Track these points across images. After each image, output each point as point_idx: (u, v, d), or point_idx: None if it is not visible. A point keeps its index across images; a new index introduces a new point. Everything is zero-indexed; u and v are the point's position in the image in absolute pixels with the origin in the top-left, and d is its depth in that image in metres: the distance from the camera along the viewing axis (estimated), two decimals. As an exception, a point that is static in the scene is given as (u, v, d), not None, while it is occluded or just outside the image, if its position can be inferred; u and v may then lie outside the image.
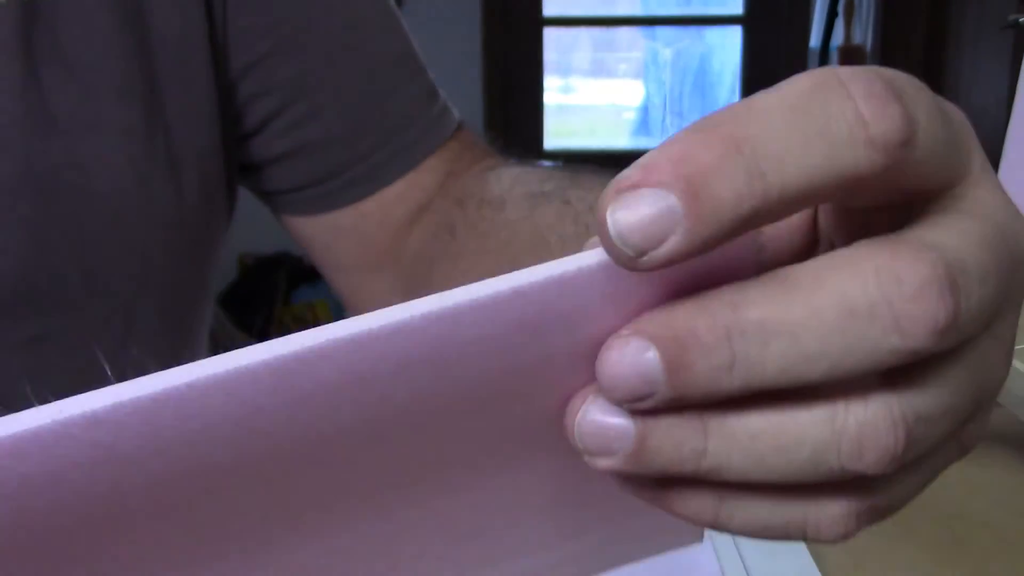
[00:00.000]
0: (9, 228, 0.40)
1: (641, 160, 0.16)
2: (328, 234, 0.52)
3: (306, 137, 0.50)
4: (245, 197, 0.57)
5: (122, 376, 0.15)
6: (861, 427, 0.17)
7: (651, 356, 0.17)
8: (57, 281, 0.42)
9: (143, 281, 0.46)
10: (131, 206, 0.44)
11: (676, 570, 0.45)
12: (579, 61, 3.36)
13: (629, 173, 0.16)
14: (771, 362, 0.17)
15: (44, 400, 0.15)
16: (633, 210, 0.16)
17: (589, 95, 3.35)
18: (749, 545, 0.47)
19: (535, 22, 2.97)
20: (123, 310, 0.45)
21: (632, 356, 0.17)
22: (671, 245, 0.16)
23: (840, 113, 0.17)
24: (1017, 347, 0.58)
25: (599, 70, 3.40)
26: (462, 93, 0.60)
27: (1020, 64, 0.89)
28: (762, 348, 0.17)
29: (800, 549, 0.47)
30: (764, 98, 0.17)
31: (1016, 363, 0.54)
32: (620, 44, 3.40)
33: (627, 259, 0.16)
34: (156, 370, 0.15)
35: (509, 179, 0.48)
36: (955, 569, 0.46)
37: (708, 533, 0.48)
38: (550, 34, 3.07)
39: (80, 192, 0.42)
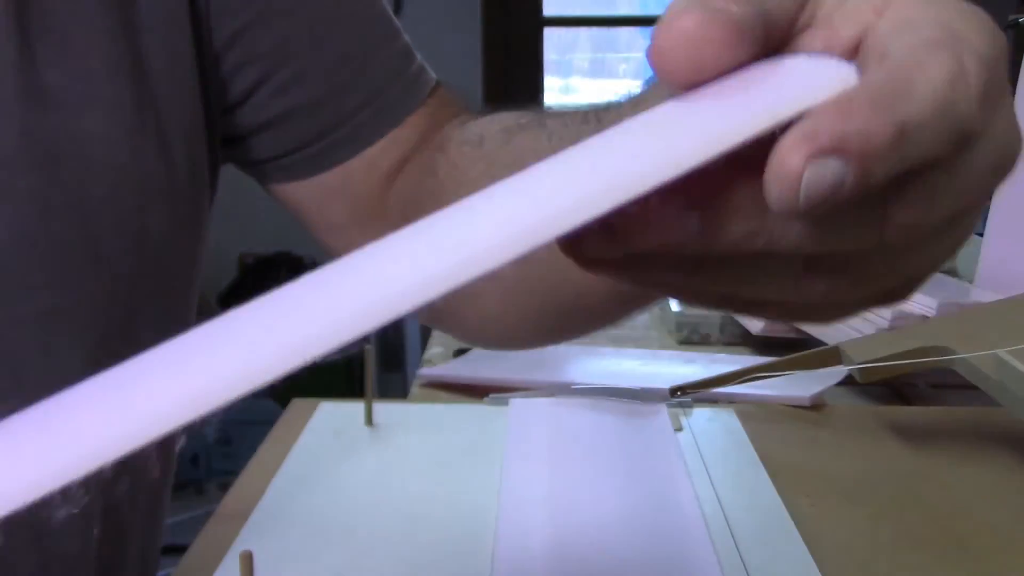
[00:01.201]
0: (14, 199, 0.42)
1: (832, 116, 0.20)
2: (318, 196, 0.54)
3: (292, 102, 0.51)
4: (244, 196, 0.57)
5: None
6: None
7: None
8: (62, 251, 0.44)
9: (142, 256, 0.47)
10: (128, 179, 0.45)
11: (676, 570, 0.45)
12: (579, 61, 3.35)
13: (823, 133, 0.19)
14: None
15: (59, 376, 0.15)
16: (819, 177, 0.19)
17: (589, 95, 3.34)
18: (749, 545, 0.47)
19: (535, 22, 2.97)
20: (126, 287, 0.46)
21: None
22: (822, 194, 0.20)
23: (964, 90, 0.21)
24: (1016, 347, 0.57)
25: (599, 70, 3.39)
26: (462, 93, 0.61)
27: (1020, 64, 0.89)
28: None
29: (800, 549, 0.47)
30: (922, 77, 0.21)
31: (1016, 363, 0.54)
32: (620, 44, 3.40)
33: (790, 199, 0.20)
34: None
35: (487, 120, 0.50)
36: (955, 569, 0.46)
37: (708, 535, 0.48)
38: (550, 34, 3.07)
39: (79, 164, 0.44)
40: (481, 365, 0.80)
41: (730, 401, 0.68)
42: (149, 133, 0.46)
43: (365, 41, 0.52)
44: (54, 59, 0.43)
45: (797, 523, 0.49)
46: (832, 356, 0.64)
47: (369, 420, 0.62)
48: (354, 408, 0.64)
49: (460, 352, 0.87)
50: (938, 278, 0.86)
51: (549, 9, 2.99)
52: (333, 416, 0.64)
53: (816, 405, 0.68)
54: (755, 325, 0.83)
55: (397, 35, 0.54)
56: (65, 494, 0.47)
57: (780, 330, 0.83)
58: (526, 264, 0.19)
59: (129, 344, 0.45)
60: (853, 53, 0.24)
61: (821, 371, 0.66)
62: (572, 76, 3.31)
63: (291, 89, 0.50)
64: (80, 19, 0.44)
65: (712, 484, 0.54)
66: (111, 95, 0.45)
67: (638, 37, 3.26)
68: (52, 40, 0.43)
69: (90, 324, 0.45)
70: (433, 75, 0.55)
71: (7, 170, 0.42)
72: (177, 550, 0.57)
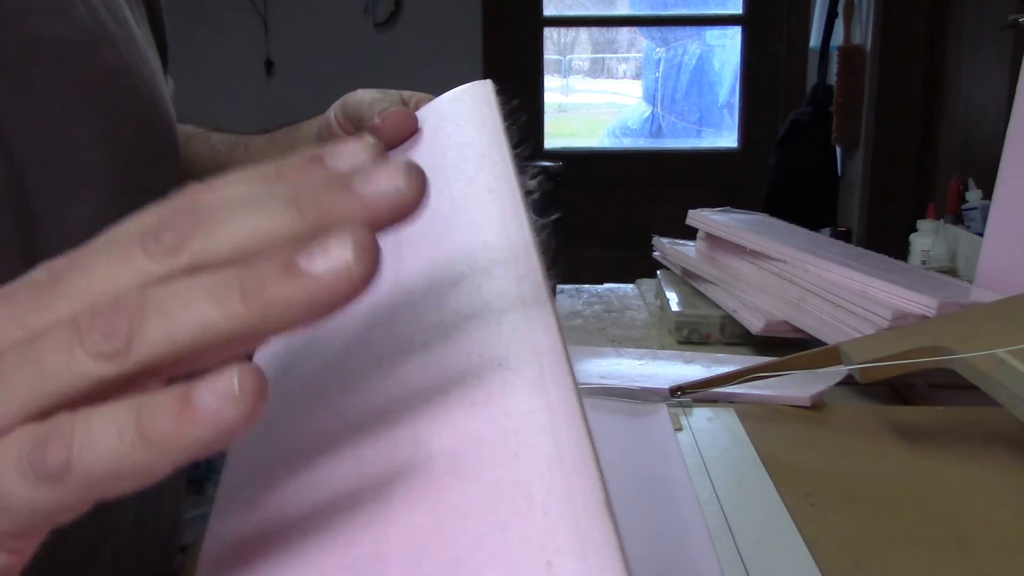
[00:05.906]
0: (93, 122, 0.51)
1: None
2: None
3: None
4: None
5: None
6: None
7: None
8: (130, 161, 0.53)
9: (176, 173, 0.58)
10: (163, 106, 0.58)
11: (676, 570, 0.45)
12: (579, 61, 3.35)
13: None
14: None
15: None
16: None
17: (589, 95, 3.34)
18: (749, 545, 0.47)
19: (535, 22, 2.97)
20: (167, 180, 0.57)
21: None
22: None
23: None
24: (1016, 347, 0.57)
25: (599, 70, 3.39)
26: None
27: (1020, 64, 0.89)
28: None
29: (800, 549, 0.47)
30: None
31: (1016, 363, 0.54)
32: (620, 44, 3.39)
33: None
34: None
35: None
36: (955, 569, 0.46)
37: (708, 535, 0.48)
38: (550, 34, 3.07)
39: (132, 90, 0.55)
40: (481, 365, 0.80)
41: (730, 401, 0.68)
42: (160, 70, 0.60)
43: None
44: (102, 4, 0.54)
45: (797, 523, 0.49)
46: (832, 356, 0.64)
47: (369, 420, 0.62)
48: (354, 408, 0.64)
49: (460, 352, 0.87)
50: (938, 278, 0.86)
51: (549, 9, 2.99)
52: (333, 416, 0.64)
53: (816, 405, 0.68)
54: (755, 325, 0.83)
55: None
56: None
57: (780, 330, 0.83)
58: None
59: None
60: None
61: (821, 371, 0.66)
62: (572, 76, 3.31)
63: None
64: None
65: (712, 484, 0.54)
66: (140, 38, 0.57)
67: (638, 37, 3.26)
68: None
69: (142, 195, 0.55)
70: None
71: (85, 97, 0.51)
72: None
